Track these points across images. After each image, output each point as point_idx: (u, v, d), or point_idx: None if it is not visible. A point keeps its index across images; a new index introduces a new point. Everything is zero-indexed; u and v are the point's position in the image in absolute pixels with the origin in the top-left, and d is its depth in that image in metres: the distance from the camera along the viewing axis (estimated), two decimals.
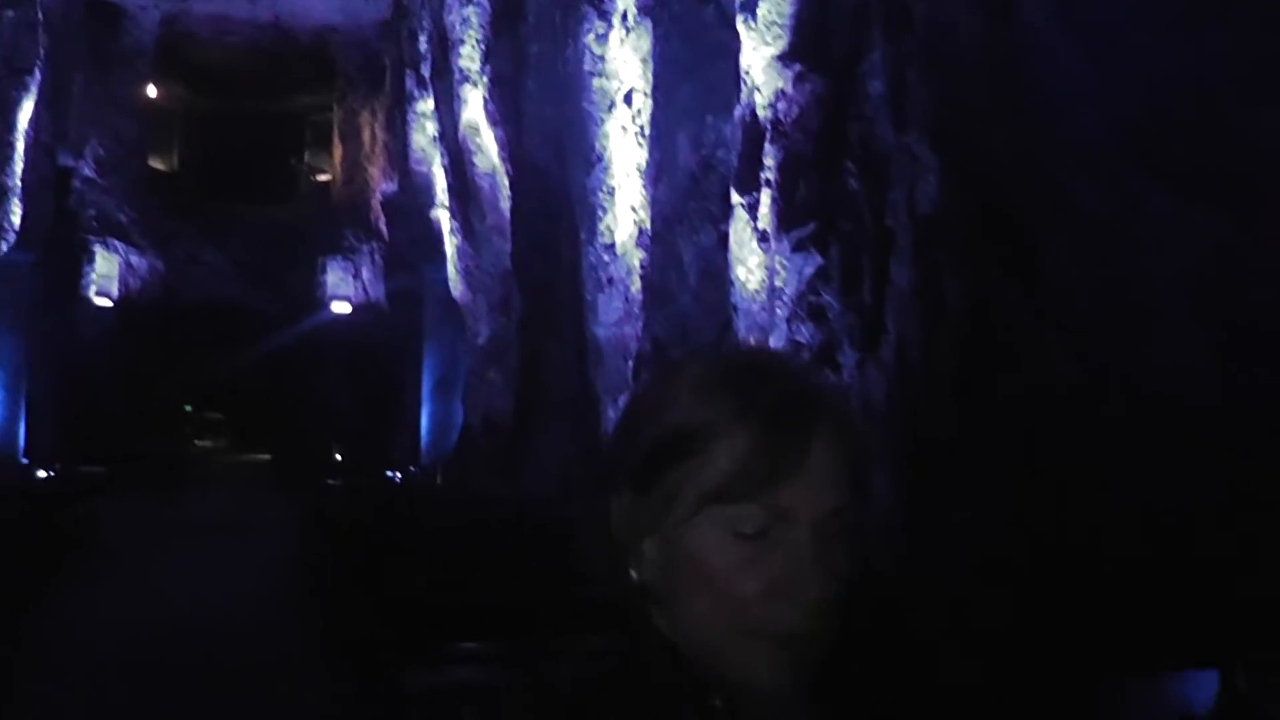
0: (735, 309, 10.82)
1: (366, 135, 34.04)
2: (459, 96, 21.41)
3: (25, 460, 27.29)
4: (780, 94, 9.67)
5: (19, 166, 24.49)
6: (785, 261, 9.50)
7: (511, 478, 18.98)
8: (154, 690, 9.44)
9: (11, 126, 24.07)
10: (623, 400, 14.35)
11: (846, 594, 1.05)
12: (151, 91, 34.91)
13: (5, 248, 24.22)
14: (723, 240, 11.35)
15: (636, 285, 14.07)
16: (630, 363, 14.02)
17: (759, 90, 10.17)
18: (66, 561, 15.51)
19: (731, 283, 10.86)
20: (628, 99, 14.46)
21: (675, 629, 1.10)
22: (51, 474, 25.24)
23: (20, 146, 24.54)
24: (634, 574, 1.13)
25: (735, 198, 10.69)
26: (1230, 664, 5.66)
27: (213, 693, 9.49)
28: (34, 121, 25.08)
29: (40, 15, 24.85)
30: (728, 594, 1.05)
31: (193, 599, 13.74)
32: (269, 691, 9.57)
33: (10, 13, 23.52)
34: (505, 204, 20.27)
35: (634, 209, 14.29)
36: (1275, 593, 5.93)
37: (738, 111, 10.84)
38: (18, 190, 24.29)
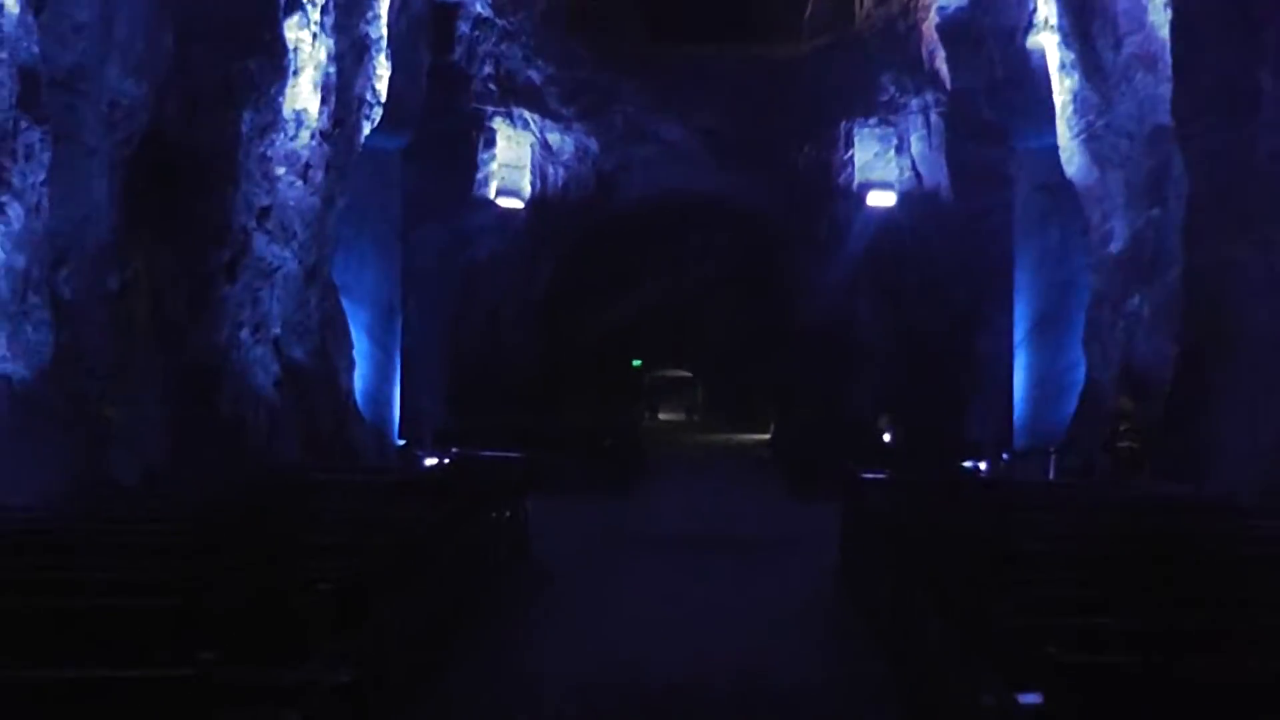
0: None
1: None
2: None
3: (401, 441, 20.55)
4: None
5: (383, 5, 16.81)
6: None
7: (1190, 474, 11.93)
8: None
9: None
10: None
11: None
12: None
13: (368, 129, 17.18)
14: None
15: None
16: None
17: None
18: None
19: None
20: None
21: None
22: (444, 461, 18.31)
23: None
24: None
25: None
26: None
27: None
28: None
29: None
30: None
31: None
32: None
33: None
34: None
35: None
36: None
37: None
38: (381, 41, 16.64)
